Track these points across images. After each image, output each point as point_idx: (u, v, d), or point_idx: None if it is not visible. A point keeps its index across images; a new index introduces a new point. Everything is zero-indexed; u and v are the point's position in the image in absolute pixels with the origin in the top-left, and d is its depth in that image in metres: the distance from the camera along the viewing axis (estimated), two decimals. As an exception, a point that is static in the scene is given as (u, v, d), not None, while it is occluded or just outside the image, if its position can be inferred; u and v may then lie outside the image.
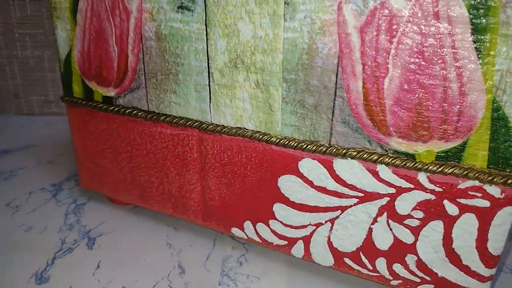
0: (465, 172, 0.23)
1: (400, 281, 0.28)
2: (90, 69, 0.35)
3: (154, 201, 0.37)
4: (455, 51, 0.22)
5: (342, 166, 0.27)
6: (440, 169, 0.24)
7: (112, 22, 0.32)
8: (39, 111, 0.70)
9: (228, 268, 0.32)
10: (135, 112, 0.34)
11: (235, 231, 0.33)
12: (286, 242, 0.31)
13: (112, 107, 0.35)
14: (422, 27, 0.22)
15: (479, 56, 0.21)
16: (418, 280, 0.27)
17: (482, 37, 0.21)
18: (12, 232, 0.36)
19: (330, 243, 0.29)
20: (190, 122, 0.32)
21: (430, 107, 0.23)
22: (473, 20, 0.21)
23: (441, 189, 0.25)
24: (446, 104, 0.23)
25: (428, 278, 0.27)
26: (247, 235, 0.33)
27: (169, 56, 0.31)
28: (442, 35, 0.22)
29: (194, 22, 0.29)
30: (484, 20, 0.21)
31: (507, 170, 0.23)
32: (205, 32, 0.29)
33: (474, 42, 0.21)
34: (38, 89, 0.69)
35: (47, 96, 0.69)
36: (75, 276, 0.31)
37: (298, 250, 0.31)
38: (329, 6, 0.24)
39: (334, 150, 0.27)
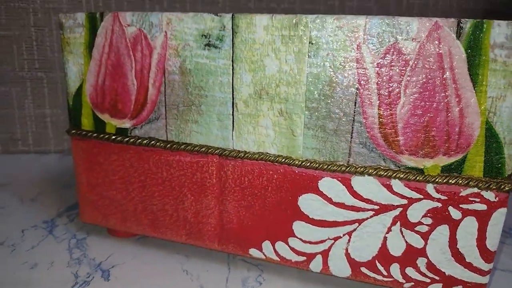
0: (466, 182, 0.28)
1: (412, 283, 0.32)
2: (103, 102, 0.36)
3: (166, 229, 0.38)
4: (455, 82, 0.27)
5: (360, 182, 0.31)
6: (445, 180, 0.29)
7: (133, 57, 0.34)
8: (2, 150, 0.66)
9: (249, 287, 0.34)
10: (152, 142, 0.35)
11: (253, 252, 0.35)
12: (304, 258, 0.34)
13: (127, 138, 0.36)
14: (428, 63, 0.27)
15: (474, 86, 0.27)
16: (429, 280, 0.31)
17: (476, 71, 0.26)
18: (17, 270, 0.35)
19: (347, 255, 0.33)
20: (211, 150, 0.34)
21: (435, 128, 0.28)
22: (469, 58, 0.26)
23: (446, 197, 0.29)
24: (448, 126, 0.28)
25: (437, 278, 0.31)
26: (265, 255, 0.35)
27: (192, 89, 0.33)
28: (444, 70, 0.27)
29: (221, 58, 0.32)
30: (477, 58, 0.26)
31: (499, 177, 0.28)
32: (231, 67, 0.32)
33: (470, 75, 0.27)
34: (3, 127, 0.66)
35: (14, 134, 0.66)
36: (99, 308, 0.31)
37: (316, 264, 0.34)
38: (349, 45, 0.28)
39: (353, 169, 0.30)
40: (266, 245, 0.35)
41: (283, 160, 0.32)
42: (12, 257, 0.37)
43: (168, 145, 0.35)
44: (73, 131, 0.38)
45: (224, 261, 0.38)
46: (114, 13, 0.34)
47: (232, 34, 0.31)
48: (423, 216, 0.30)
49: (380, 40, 0.28)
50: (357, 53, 0.28)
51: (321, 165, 0.31)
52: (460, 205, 0.29)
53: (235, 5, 0.67)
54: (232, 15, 0.31)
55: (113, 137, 0.37)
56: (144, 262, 0.37)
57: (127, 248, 0.39)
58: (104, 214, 0.40)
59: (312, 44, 0.29)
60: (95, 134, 0.37)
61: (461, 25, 0.26)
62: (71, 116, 0.38)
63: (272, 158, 0.32)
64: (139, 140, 0.36)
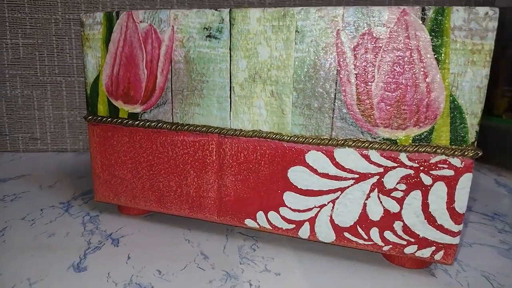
0: (434, 150, 0.32)
1: (391, 246, 0.35)
2: (117, 90, 0.41)
3: (171, 204, 0.42)
4: (422, 61, 0.31)
5: (341, 154, 0.35)
6: (416, 149, 0.32)
7: (144, 49, 0.39)
8: (23, 148, 0.72)
9: (244, 253, 0.38)
10: (159, 124, 0.40)
11: (248, 222, 0.39)
12: (294, 226, 0.37)
13: (138, 122, 0.41)
14: (397, 45, 0.31)
15: (438, 64, 0.31)
16: (405, 242, 0.34)
17: (439, 51, 0.31)
18: (36, 238, 0.39)
19: (332, 221, 0.36)
20: (211, 129, 0.38)
21: (406, 102, 0.32)
22: (433, 39, 0.31)
23: (417, 165, 0.33)
24: (417, 100, 0.32)
25: (412, 240, 0.34)
26: (259, 224, 0.39)
27: (195, 76, 0.38)
28: (411, 50, 0.31)
29: (220, 48, 0.36)
30: (439, 39, 0.31)
31: (464, 145, 0.32)
32: (229, 55, 0.36)
33: (434, 54, 0.31)
34: (24, 127, 0.71)
35: (33, 133, 0.71)
36: (110, 265, 0.35)
37: (304, 231, 0.37)
38: (330, 32, 0.33)
39: (335, 141, 0.34)
40: (260, 215, 0.38)
41: (274, 136, 0.36)
42: (32, 228, 0.41)
43: (174, 127, 0.39)
44: (90, 117, 0.43)
45: (223, 232, 0.42)
46: (128, 12, 0.39)
47: (230, 26, 0.36)
48: (397, 183, 0.34)
49: (356, 26, 0.32)
50: (336, 39, 0.33)
51: (307, 139, 0.35)
52: (430, 172, 0.33)
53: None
54: (230, 9, 0.35)
55: (125, 121, 0.41)
56: (150, 233, 0.41)
57: (135, 223, 0.43)
58: (115, 192, 0.44)
59: (298, 32, 0.34)
60: (109, 119, 0.42)
61: (425, 11, 0.31)
62: (89, 104, 0.43)
63: (265, 134, 0.36)
64: (148, 123, 0.40)
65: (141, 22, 0.39)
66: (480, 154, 0.32)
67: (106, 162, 0.44)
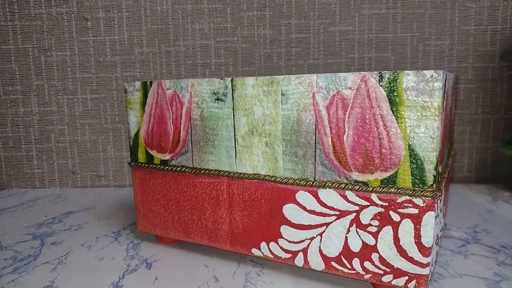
0: (399, 191, 0.37)
1: (370, 275, 0.40)
2: (152, 142, 0.51)
3: (194, 235, 0.50)
4: (382, 117, 0.37)
5: (324, 194, 0.41)
6: (383, 190, 0.38)
7: (170, 110, 0.49)
8: (91, 184, 0.86)
9: (250, 278, 0.45)
10: (183, 169, 0.49)
11: (254, 251, 0.46)
12: (290, 255, 0.44)
13: (167, 167, 0.50)
14: (361, 104, 0.38)
15: (396, 119, 0.37)
16: (382, 272, 0.39)
17: (396, 108, 0.36)
18: (89, 261, 0.50)
19: (321, 251, 0.42)
20: (222, 173, 0.46)
21: (372, 151, 0.38)
22: (390, 99, 0.37)
23: (387, 204, 0.38)
24: (381, 149, 0.38)
25: (388, 270, 0.39)
26: (263, 253, 0.46)
27: (208, 130, 0.47)
28: (373, 108, 0.37)
29: (226, 108, 0.45)
30: (395, 98, 0.36)
31: (424, 187, 0.37)
32: (232, 114, 0.45)
33: (392, 111, 0.37)
34: (91, 167, 0.85)
35: (98, 172, 0.85)
36: (140, 285, 0.44)
37: (299, 260, 0.43)
38: (307, 95, 0.40)
39: (318, 183, 0.41)
40: (263, 245, 0.45)
41: (270, 178, 0.43)
42: (88, 253, 0.52)
43: (194, 171, 0.48)
44: (133, 163, 0.54)
45: (237, 260, 0.49)
46: (158, 82, 0.49)
47: (232, 91, 0.44)
48: (371, 219, 0.39)
49: (328, 90, 0.39)
50: (313, 100, 0.40)
51: (296, 181, 0.42)
52: (398, 210, 0.38)
53: (269, 64, 0.82)
54: (232, 78, 0.44)
55: (158, 166, 0.51)
56: (177, 259, 0.50)
57: (168, 250, 0.52)
58: (152, 224, 0.54)
59: (283, 95, 0.41)
60: (146, 165, 0.52)
61: (382, 75, 0.37)
62: (131, 152, 0.54)
63: (263, 177, 0.44)
64: (175, 168, 0.50)
65: (168, 89, 0.49)
66: (439, 195, 0.36)
67: (145, 199, 0.54)
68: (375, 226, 0.39)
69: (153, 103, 0.50)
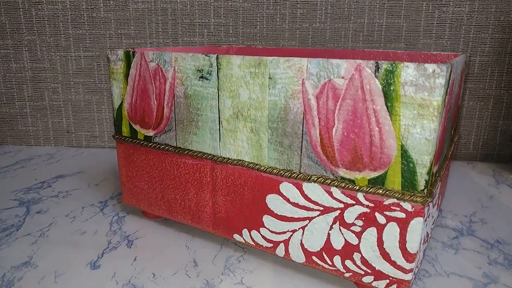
0: (387, 193, 0.35)
1: (351, 273, 0.38)
2: (136, 116, 0.49)
3: (177, 214, 0.49)
4: (375, 112, 0.34)
5: (309, 188, 0.38)
6: (371, 190, 0.35)
7: (154, 84, 0.46)
8: (86, 144, 0.84)
9: (229, 264, 0.44)
10: (167, 147, 0.47)
11: (236, 236, 0.45)
12: (272, 245, 0.42)
13: (151, 144, 0.48)
14: (354, 96, 0.34)
15: (390, 115, 0.33)
16: (363, 272, 0.38)
17: (391, 103, 0.33)
18: (71, 234, 0.49)
19: (302, 245, 0.40)
20: (205, 155, 0.44)
21: (362, 148, 0.35)
22: (385, 93, 0.33)
23: (373, 205, 0.36)
24: (372, 147, 0.34)
25: (369, 271, 0.37)
26: (244, 240, 0.44)
27: (192, 109, 0.44)
28: (366, 101, 0.34)
29: (210, 87, 0.42)
30: (391, 93, 0.33)
31: (414, 191, 0.34)
32: (217, 94, 0.41)
33: (387, 106, 0.33)
34: (86, 127, 0.83)
35: (93, 132, 0.84)
36: (118, 265, 0.43)
37: (280, 250, 0.42)
38: (296, 81, 0.36)
39: (303, 176, 0.38)
40: (245, 232, 0.44)
41: (254, 166, 0.41)
42: (71, 225, 0.51)
43: (177, 150, 0.46)
44: (117, 136, 0.51)
45: (219, 242, 0.48)
46: (141, 52, 0.46)
47: (217, 70, 0.41)
48: (356, 218, 0.37)
49: (318, 77, 0.35)
50: (302, 87, 0.36)
51: (280, 172, 0.39)
52: (384, 212, 0.35)
53: (271, 26, 0.76)
54: (217, 56, 0.40)
55: (142, 142, 0.49)
56: (160, 237, 0.49)
57: (152, 226, 0.51)
58: (137, 199, 0.52)
59: (271, 79, 0.38)
60: (130, 139, 0.50)
61: (379, 66, 0.33)
62: (115, 125, 0.51)
63: (246, 164, 0.41)
64: (158, 146, 0.47)
65: (151, 61, 0.45)
66: (430, 201, 0.34)
67: (129, 174, 0.52)
68: (359, 226, 0.37)
69: (136, 75, 0.47)
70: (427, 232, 0.41)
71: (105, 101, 0.82)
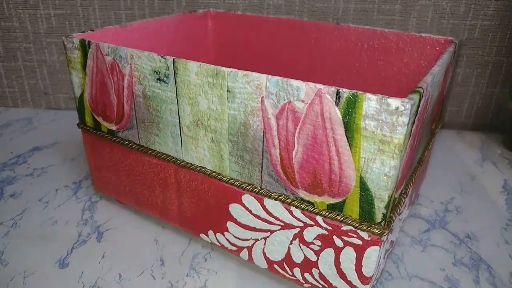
0: (345, 220, 0.34)
1: (310, 285, 0.39)
2: (97, 108, 0.46)
3: (146, 207, 0.48)
4: (335, 141, 0.31)
5: (270, 203, 0.37)
6: (329, 215, 0.34)
7: (111, 79, 0.42)
8: (65, 106, 0.82)
9: (195, 263, 0.44)
10: (130, 144, 0.45)
11: (202, 236, 0.45)
12: (236, 248, 0.43)
13: (114, 138, 0.46)
14: (314, 121, 0.31)
15: (350, 146, 0.31)
16: (321, 286, 0.38)
17: (351, 134, 0.30)
18: (43, 224, 0.49)
19: (264, 253, 0.40)
20: (168, 158, 0.42)
21: (321, 174, 0.33)
22: (345, 123, 0.30)
23: (331, 228, 0.35)
24: (331, 174, 0.33)
25: (326, 286, 0.38)
26: (210, 240, 0.44)
27: (152, 110, 0.41)
28: (326, 129, 0.31)
29: (168, 91, 0.39)
30: (352, 124, 0.30)
31: (371, 222, 0.33)
32: (176, 99, 0.39)
33: (347, 137, 0.31)
34: (63, 88, 0.80)
35: (71, 94, 0.81)
36: (86, 263, 0.44)
37: (244, 254, 0.42)
38: (255, 97, 0.33)
39: (264, 192, 0.37)
40: (211, 233, 0.44)
41: (216, 175, 0.39)
42: (43, 212, 0.51)
43: (140, 148, 0.44)
44: (81, 125, 0.49)
45: (189, 236, 0.48)
46: (96, 44, 0.42)
47: (174, 74, 0.37)
48: (314, 238, 0.36)
49: (278, 98, 0.32)
50: (261, 104, 0.33)
51: (242, 184, 0.38)
52: (342, 236, 0.35)
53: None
54: (173, 59, 0.37)
55: (105, 135, 0.47)
56: (130, 229, 0.49)
57: (123, 214, 0.51)
58: (106, 188, 0.52)
59: (229, 92, 0.35)
60: (94, 131, 0.48)
61: (340, 94, 0.30)
62: (79, 114, 0.49)
63: (209, 172, 0.40)
64: (122, 141, 0.46)
65: (106, 55, 0.42)
66: (387, 233, 0.33)
67: (97, 164, 0.51)
68: (318, 245, 0.36)
69: (94, 67, 0.44)
70: (392, 241, 0.41)
71: (81, 62, 0.78)
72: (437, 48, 0.49)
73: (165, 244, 0.47)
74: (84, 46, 0.43)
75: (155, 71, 0.39)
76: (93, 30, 0.48)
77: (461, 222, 0.52)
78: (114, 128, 0.46)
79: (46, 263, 0.44)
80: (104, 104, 0.45)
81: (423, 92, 0.31)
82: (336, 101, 0.30)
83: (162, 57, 0.37)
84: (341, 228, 0.34)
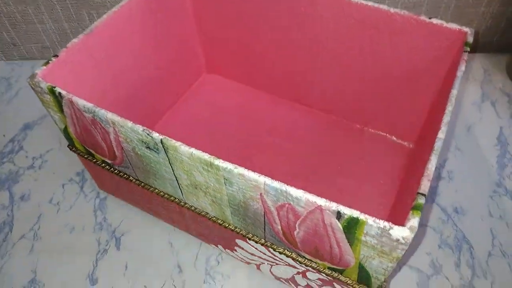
0: (344, 280, 0.37)
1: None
2: (86, 143, 0.44)
3: (154, 215, 0.51)
4: (337, 239, 0.32)
5: (275, 252, 0.40)
6: (330, 273, 0.37)
7: (96, 130, 0.40)
8: (40, 56, 0.75)
9: (209, 267, 0.50)
10: (130, 178, 0.45)
11: (212, 245, 0.49)
12: (245, 261, 0.47)
13: (112, 169, 0.45)
14: (315, 223, 0.32)
15: (351, 246, 0.32)
16: (322, 300, 0.44)
17: (352, 241, 0.31)
18: (61, 232, 0.53)
19: (271, 272, 0.45)
20: (171, 198, 0.43)
21: (323, 251, 0.35)
22: (346, 234, 0.31)
23: (332, 279, 0.38)
24: (332, 253, 0.34)
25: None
26: (221, 250, 0.49)
27: (146, 164, 0.40)
28: (328, 232, 0.32)
29: (161, 158, 0.37)
30: (352, 237, 0.31)
31: (368, 286, 0.36)
32: (170, 166, 0.37)
33: (348, 240, 0.31)
34: (32, 39, 0.72)
35: (43, 43, 0.73)
36: (113, 277, 0.49)
37: (252, 266, 0.47)
38: (254, 191, 0.33)
39: (268, 244, 0.39)
40: (220, 246, 0.48)
41: (221, 222, 0.41)
42: (58, 217, 0.54)
43: (141, 184, 0.44)
44: (73, 149, 0.48)
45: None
46: (69, 99, 0.37)
47: (165, 151, 0.35)
48: (316, 279, 0.40)
49: (276, 198, 0.32)
50: (260, 197, 0.33)
51: (247, 234, 0.40)
52: (342, 285, 0.39)
53: None
54: (161, 139, 0.34)
55: (102, 164, 0.46)
56: (145, 231, 0.52)
57: (134, 214, 0.54)
58: (111, 192, 0.53)
59: (226, 179, 0.33)
60: (89, 157, 0.47)
61: (341, 214, 0.29)
62: (66, 138, 0.47)
63: (214, 219, 0.41)
64: (121, 174, 0.45)
65: (84, 112, 0.38)
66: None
67: (97, 178, 0.51)
68: (318, 285, 0.41)
69: (72, 115, 0.40)
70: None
71: (43, 11, 0.68)
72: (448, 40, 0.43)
73: (180, 249, 0.51)
74: (56, 95, 0.39)
75: (142, 141, 0.36)
76: (57, 56, 0.42)
77: (450, 191, 0.55)
78: (109, 161, 0.45)
79: (77, 279, 0.49)
80: (92, 144, 0.43)
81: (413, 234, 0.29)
82: (337, 217, 0.30)
83: (148, 134, 0.35)
84: (341, 280, 0.38)
